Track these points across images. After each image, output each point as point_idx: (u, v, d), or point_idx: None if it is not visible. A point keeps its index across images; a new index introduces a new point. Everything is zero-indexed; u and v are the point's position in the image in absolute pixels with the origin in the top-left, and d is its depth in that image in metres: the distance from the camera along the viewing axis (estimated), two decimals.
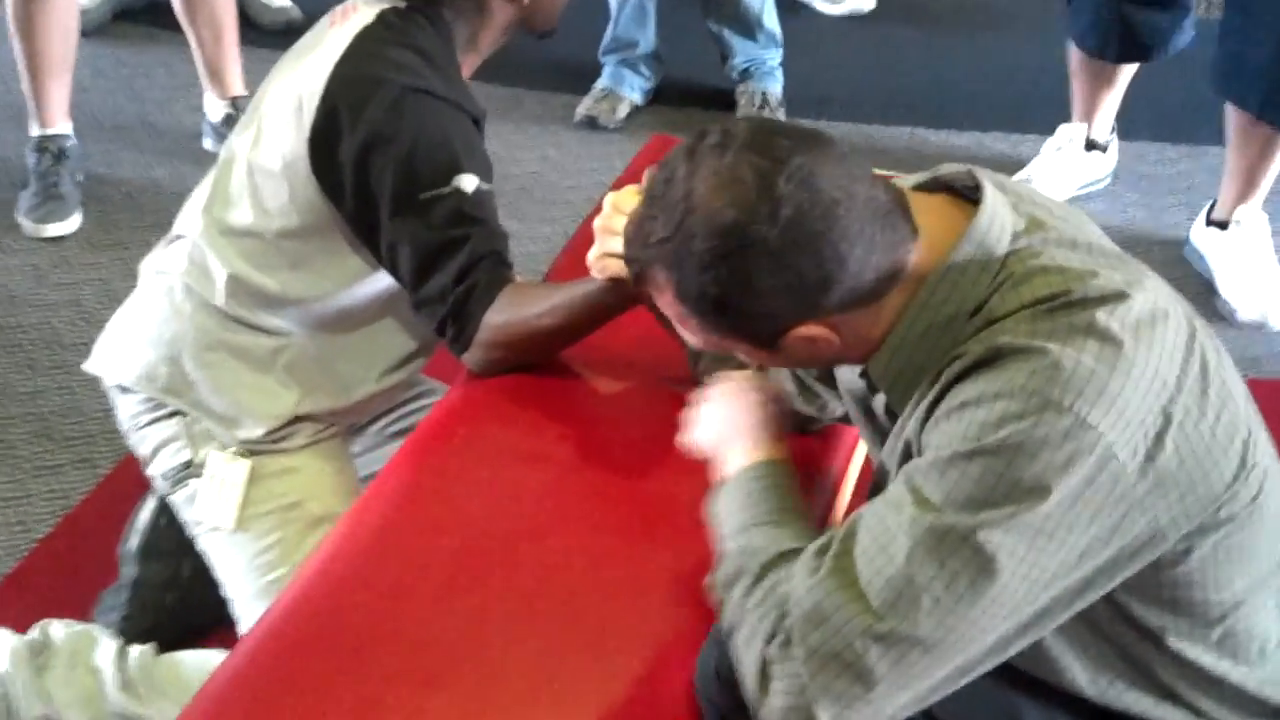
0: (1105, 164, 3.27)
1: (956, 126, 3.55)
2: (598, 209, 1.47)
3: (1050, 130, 3.27)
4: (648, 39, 3.55)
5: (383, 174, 1.55)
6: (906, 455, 1.13)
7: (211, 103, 3.21)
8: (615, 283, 1.46)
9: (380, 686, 1.24)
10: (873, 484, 1.22)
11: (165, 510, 1.85)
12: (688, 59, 3.64)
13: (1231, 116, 2.79)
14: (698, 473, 1.46)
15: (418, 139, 1.55)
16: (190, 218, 1.72)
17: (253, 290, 1.67)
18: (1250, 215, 2.88)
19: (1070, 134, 3.22)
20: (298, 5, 3.85)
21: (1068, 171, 3.20)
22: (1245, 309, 2.81)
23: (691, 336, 1.19)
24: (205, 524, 1.72)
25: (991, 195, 1.11)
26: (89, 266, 2.79)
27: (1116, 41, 2.97)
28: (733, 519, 1.20)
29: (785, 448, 1.27)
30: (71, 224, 2.91)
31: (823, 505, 1.53)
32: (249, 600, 1.71)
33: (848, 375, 1.31)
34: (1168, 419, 1.03)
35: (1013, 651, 1.07)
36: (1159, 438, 1.02)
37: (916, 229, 1.10)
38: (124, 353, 1.75)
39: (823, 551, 1.08)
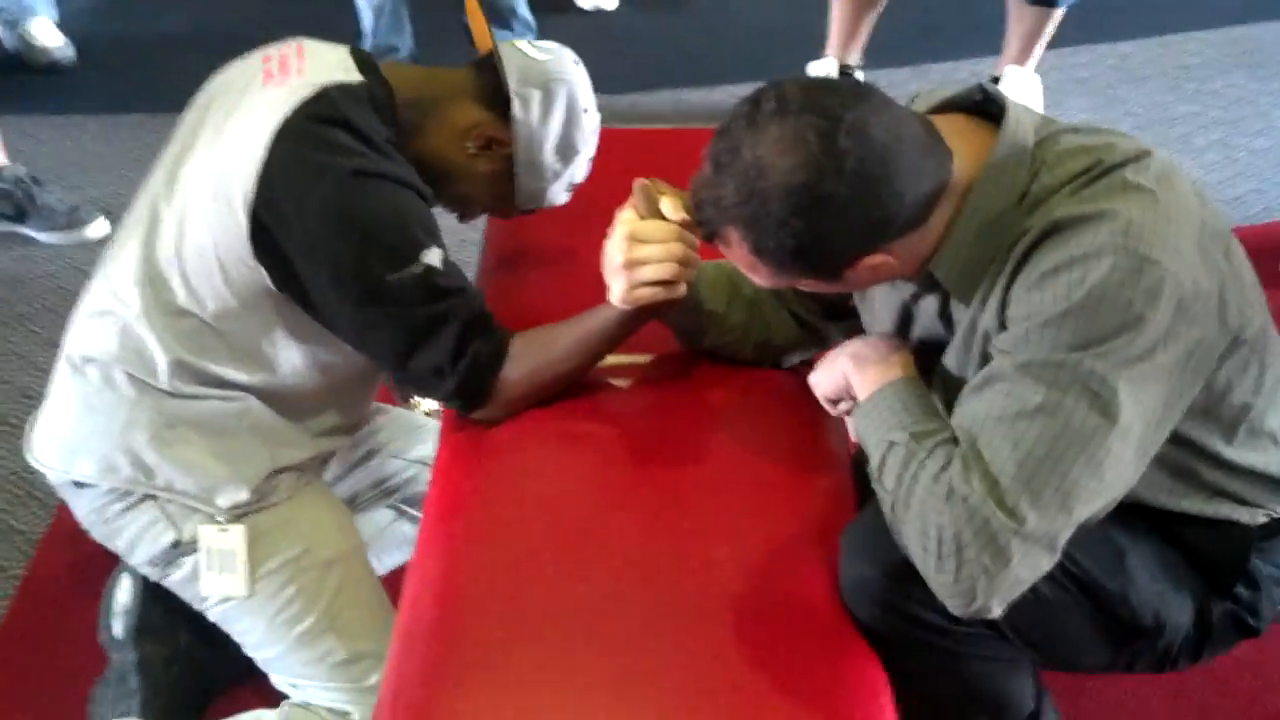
0: None
1: (710, 84, 3.76)
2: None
3: (794, 74, 3.49)
4: (405, 43, 3.54)
5: (342, 261, 1.47)
6: (986, 341, 1.26)
7: None
8: (641, 308, 1.49)
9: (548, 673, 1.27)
10: (940, 387, 1.36)
11: (146, 586, 1.77)
12: (447, 58, 3.62)
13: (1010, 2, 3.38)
14: (715, 417, 1.60)
15: (374, 222, 1.47)
16: (121, 292, 1.57)
17: (196, 371, 1.58)
18: (1019, 73, 3.43)
19: (825, 68, 3.48)
20: (72, 44, 3.88)
21: None
22: None
23: (760, 280, 1.28)
24: (214, 598, 1.65)
25: (1010, 101, 1.26)
26: None
27: None
28: (888, 421, 1.28)
29: (912, 367, 1.36)
30: None
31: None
32: (283, 656, 1.67)
33: (885, 292, 1.42)
34: (1201, 248, 1.20)
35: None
36: (1199, 265, 1.19)
37: (950, 150, 1.23)
38: (72, 446, 1.62)
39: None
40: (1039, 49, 3.42)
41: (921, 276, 1.31)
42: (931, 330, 1.38)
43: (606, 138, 1.76)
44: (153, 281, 1.55)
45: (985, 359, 1.26)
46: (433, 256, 1.49)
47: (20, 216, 3.00)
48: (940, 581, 1.18)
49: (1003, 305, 1.23)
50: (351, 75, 1.57)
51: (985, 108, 1.29)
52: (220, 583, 1.63)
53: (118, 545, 1.67)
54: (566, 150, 1.69)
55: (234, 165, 1.49)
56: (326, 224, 1.46)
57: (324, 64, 1.58)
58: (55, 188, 3.11)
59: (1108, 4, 4.36)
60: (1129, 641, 1.36)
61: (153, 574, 1.67)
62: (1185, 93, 3.78)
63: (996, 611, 1.19)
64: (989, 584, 1.16)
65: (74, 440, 1.63)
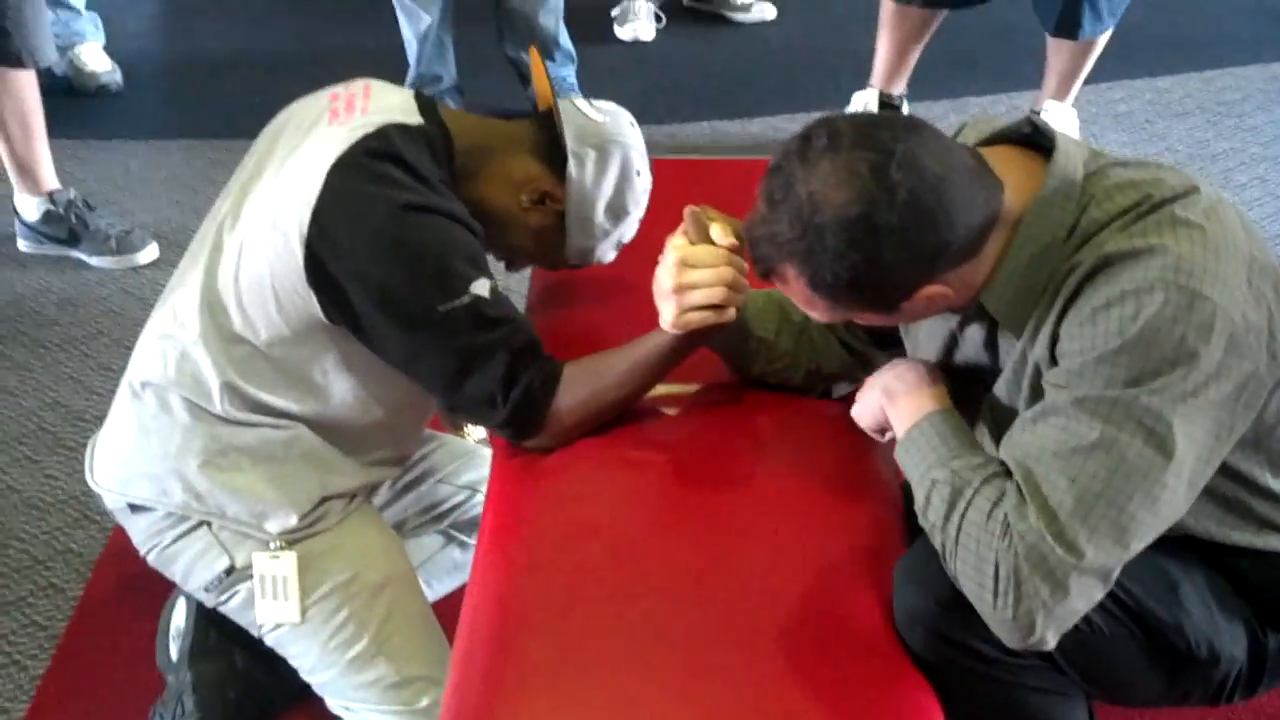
0: None
1: (747, 115, 3.78)
2: None
3: (832, 106, 3.53)
4: (450, 73, 3.59)
5: (392, 291, 1.50)
6: (1037, 374, 1.28)
7: (24, 201, 3.05)
8: (692, 333, 1.51)
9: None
10: (988, 417, 1.38)
11: (201, 609, 1.80)
12: (488, 87, 3.69)
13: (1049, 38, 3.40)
14: (765, 442, 1.63)
15: (422, 255, 1.50)
16: (182, 316, 1.61)
17: (248, 398, 1.61)
18: (1057, 108, 3.45)
19: (865, 99, 3.51)
20: (119, 69, 3.98)
21: None
22: None
23: (817, 315, 1.31)
24: (268, 624, 1.68)
25: (1060, 135, 1.29)
26: None
27: None
28: (927, 458, 1.30)
29: (946, 397, 1.37)
30: None
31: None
32: (336, 679, 1.70)
33: (930, 320, 1.45)
34: (1250, 283, 1.22)
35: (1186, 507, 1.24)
36: (1250, 296, 1.21)
37: (1001, 183, 1.25)
38: (128, 470, 1.66)
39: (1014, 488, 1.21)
40: (1077, 84, 3.44)
41: (969, 307, 1.34)
42: (976, 359, 1.40)
43: (650, 167, 1.79)
44: (211, 307, 1.59)
45: (1035, 390, 1.28)
46: (481, 287, 1.52)
47: (73, 240, 3.06)
48: (999, 617, 1.20)
49: (1054, 338, 1.25)
50: (412, 117, 1.61)
51: (1035, 140, 1.31)
52: (274, 609, 1.66)
53: (173, 572, 1.70)
54: (617, 211, 1.73)
55: (291, 197, 1.53)
56: (378, 254, 1.49)
57: (387, 105, 1.62)
58: (106, 212, 3.17)
59: (1145, 39, 4.37)
60: (1183, 673, 1.37)
61: (209, 600, 1.70)
62: (1225, 128, 3.79)
63: (1052, 643, 1.21)
64: (1047, 617, 1.18)
65: (130, 464, 1.66)
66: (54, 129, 3.06)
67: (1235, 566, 1.38)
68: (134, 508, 1.67)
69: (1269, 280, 1.24)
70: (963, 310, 1.36)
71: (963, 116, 3.70)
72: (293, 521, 1.64)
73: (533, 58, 1.87)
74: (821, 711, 1.26)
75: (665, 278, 1.47)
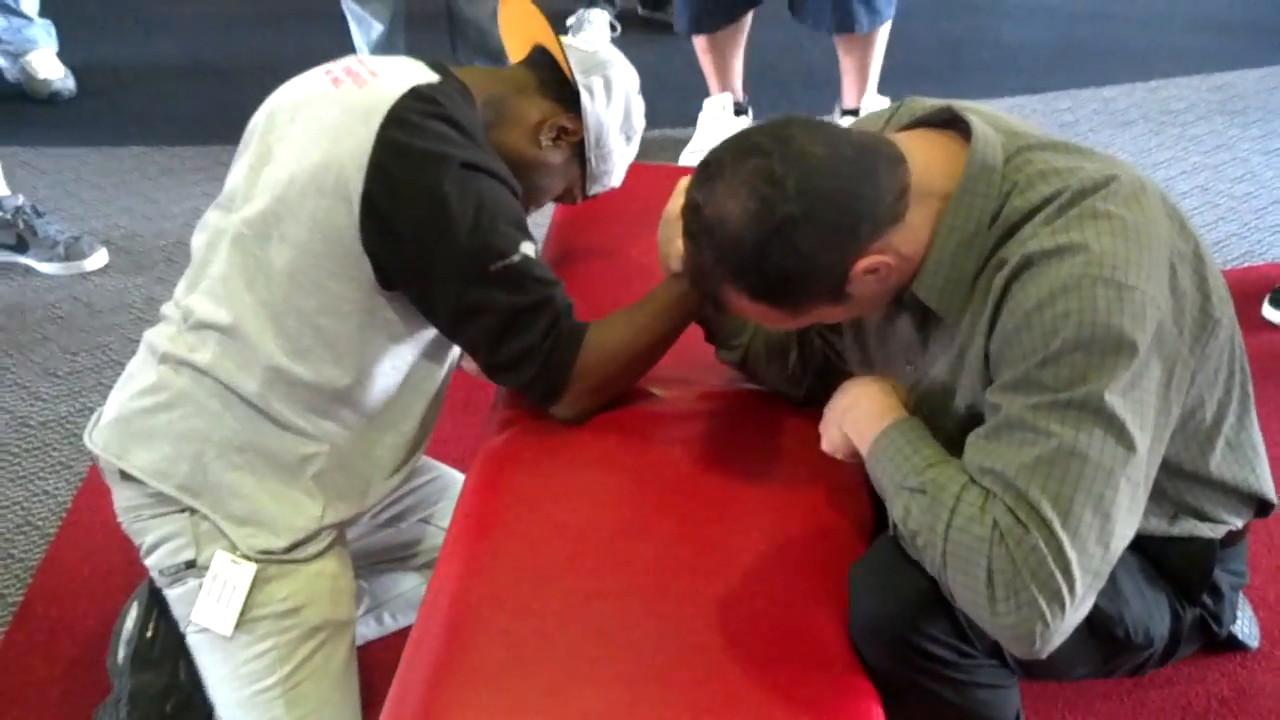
0: (747, 124, 3.61)
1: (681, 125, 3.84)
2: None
3: (782, 113, 3.57)
4: None
5: (450, 248, 1.52)
6: (978, 363, 1.29)
7: None
8: None
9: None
10: (924, 401, 1.39)
11: (150, 616, 1.79)
12: None
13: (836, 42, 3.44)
14: (742, 451, 1.64)
15: (480, 213, 1.53)
16: (221, 302, 1.59)
17: (291, 380, 1.58)
18: (871, 100, 3.52)
19: (721, 103, 3.62)
20: (72, 75, 4.00)
21: (724, 136, 3.50)
22: None
23: (778, 324, 1.34)
24: (198, 624, 1.64)
25: (977, 120, 1.31)
26: None
27: (706, 13, 3.46)
28: (901, 468, 1.31)
29: (903, 408, 1.39)
30: None
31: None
32: (231, 708, 1.65)
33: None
34: (1171, 268, 1.24)
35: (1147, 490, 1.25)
36: (1172, 283, 1.23)
37: (901, 154, 1.27)
38: (137, 440, 1.62)
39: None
40: (874, 71, 3.50)
41: (904, 298, 1.34)
42: (908, 348, 1.41)
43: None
44: (250, 284, 1.58)
45: (977, 381, 1.29)
46: (529, 248, 1.57)
47: (21, 247, 3.05)
48: (1003, 628, 1.20)
49: (989, 334, 1.26)
50: (431, 76, 1.62)
51: (954, 125, 1.33)
52: (212, 612, 1.62)
53: (141, 542, 1.66)
54: (629, 130, 1.84)
55: (335, 160, 1.53)
56: (437, 213, 1.51)
57: (399, 68, 1.62)
58: (55, 219, 3.16)
59: (1093, 48, 4.45)
60: (1118, 655, 1.42)
61: (159, 580, 1.67)
62: (1168, 137, 3.85)
63: (1050, 650, 1.21)
64: (1048, 629, 1.18)
65: (140, 431, 1.62)
66: (5, 135, 3.05)
67: (1149, 550, 1.41)
68: (125, 476, 1.63)
69: (1189, 266, 1.26)
70: (898, 298, 1.36)
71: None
72: (279, 545, 1.62)
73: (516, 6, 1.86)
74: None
75: (674, 207, 1.52)
